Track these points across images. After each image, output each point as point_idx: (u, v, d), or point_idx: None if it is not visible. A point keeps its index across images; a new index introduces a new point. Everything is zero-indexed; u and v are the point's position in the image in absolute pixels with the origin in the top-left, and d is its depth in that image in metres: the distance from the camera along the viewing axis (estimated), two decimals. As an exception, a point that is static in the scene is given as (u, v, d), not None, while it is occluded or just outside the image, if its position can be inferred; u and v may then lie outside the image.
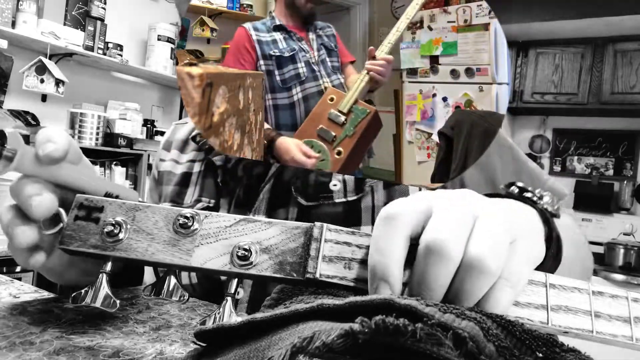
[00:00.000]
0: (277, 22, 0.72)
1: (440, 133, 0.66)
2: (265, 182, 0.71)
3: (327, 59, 0.72)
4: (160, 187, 0.79)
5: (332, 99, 0.71)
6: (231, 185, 0.73)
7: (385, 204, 0.62)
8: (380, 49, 0.69)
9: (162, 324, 0.47)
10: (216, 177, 0.74)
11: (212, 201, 0.72)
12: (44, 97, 2.81)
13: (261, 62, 0.70)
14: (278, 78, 0.69)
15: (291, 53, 0.71)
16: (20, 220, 0.43)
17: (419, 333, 0.24)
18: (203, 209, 0.71)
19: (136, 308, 0.52)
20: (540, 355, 0.28)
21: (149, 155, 3.07)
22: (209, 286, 0.69)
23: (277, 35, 0.71)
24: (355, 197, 0.66)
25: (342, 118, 0.67)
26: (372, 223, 0.64)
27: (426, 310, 0.26)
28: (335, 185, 0.66)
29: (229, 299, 0.36)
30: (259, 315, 0.29)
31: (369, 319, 0.24)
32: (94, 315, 0.48)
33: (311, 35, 0.73)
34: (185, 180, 0.76)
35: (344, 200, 0.66)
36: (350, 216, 0.65)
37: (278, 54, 0.70)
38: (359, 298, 0.28)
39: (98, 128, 2.82)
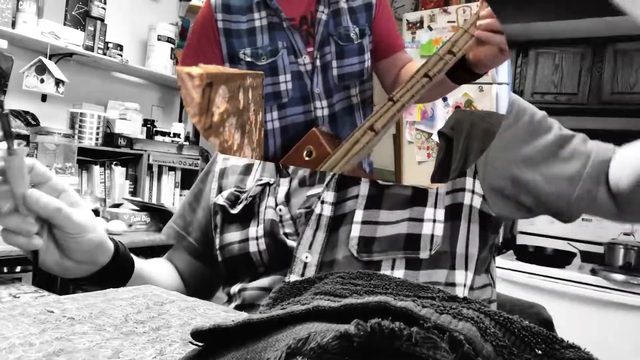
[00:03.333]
0: None
1: (440, 133, 0.66)
2: None
3: (335, 62, 0.53)
4: (221, 181, 0.81)
5: (309, 154, 0.55)
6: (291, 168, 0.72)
7: (447, 192, 0.65)
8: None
9: (162, 324, 0.47)
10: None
11: (272, 179, 0.72)
12: (44, 97, 2.81)
13: (227, 65, 0.51)
14: None
15: (271, 59, 0.50)
16: None
17: (414, 337, 0.24)
18: (263, 184, 0.72)
19: (136, 308, 0.52)
20: (540, 352, 0.28)
21: (149, 155, 3.06)
22: (276, 251, 0.68)
23: (258, 20, 0.50)
24: None
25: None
26: (435, 206, 0.65)
27: (422, 312, 0.26)
28: None
29: None
30: (255, 316, 0.29)
31: (365, 321, 0.24)
32: (93, 315, 0.48)
33: (321, 10, 0.50)
34: (247, 169, 0.79)
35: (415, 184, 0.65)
36: (418, 198, 0.65)
37: (249, 58, 0.50)
38: (354, 300, 0.28)
39: (98, 128, 2.81)
